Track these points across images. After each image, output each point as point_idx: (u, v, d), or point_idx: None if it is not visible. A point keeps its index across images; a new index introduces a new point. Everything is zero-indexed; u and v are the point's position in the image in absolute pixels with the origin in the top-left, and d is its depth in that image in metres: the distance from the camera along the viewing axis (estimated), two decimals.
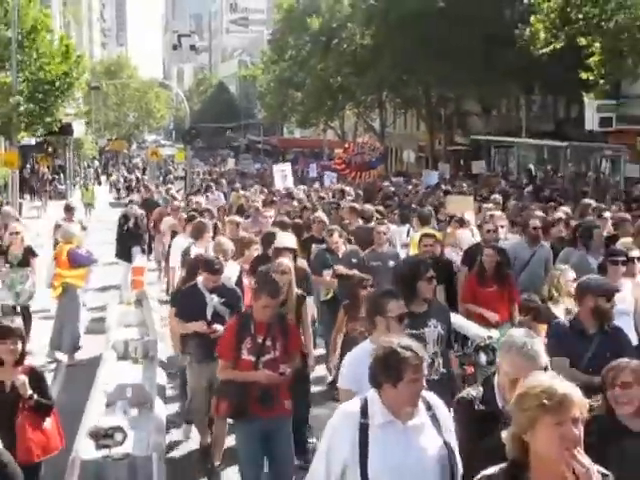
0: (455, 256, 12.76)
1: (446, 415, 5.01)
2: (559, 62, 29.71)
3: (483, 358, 8.85)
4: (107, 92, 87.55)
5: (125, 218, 20.71)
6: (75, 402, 10.11)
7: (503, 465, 3.90)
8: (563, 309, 8.56)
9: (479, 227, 13.75)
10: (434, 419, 4.89)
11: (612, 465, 4.13)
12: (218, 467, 9.06)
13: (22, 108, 34.52)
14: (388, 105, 57.95)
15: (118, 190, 55.53)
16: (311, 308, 10.37)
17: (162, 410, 9.72)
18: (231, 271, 10.61)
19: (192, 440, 10.07)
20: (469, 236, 13.82)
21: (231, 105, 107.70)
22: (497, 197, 19.68)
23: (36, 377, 7.06)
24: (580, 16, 25.28)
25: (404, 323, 6.60)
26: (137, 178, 54.80)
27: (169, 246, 15.57)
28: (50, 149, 55.09)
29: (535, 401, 3.72)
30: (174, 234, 16.18)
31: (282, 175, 31.20)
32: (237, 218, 14.84)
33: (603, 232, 12.14)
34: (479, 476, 4.00)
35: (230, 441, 8.94)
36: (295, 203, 20.91)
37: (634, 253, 9.77)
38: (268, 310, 7.63)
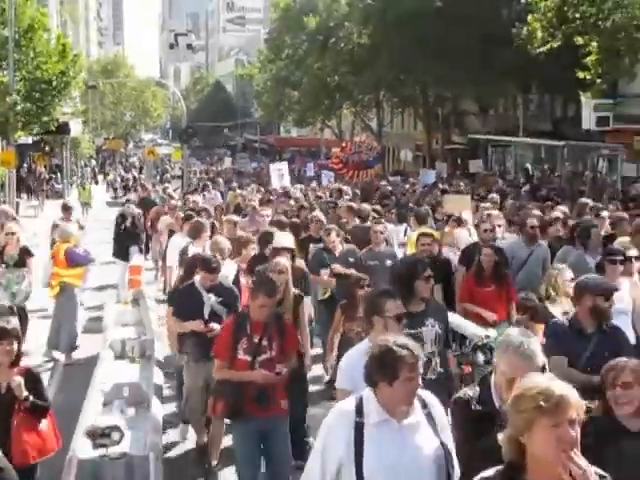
0: (452, 255, 12.75)
1: (442, 413, 5.00)
2: (556, 61, 29.72)
3: (481, 357, 8.85)
4: (104, 91, 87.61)
5: (122, 217, 20.69)
6: (72, 401, 10.10)
7: (500, 467, 3.88)
8: (560, 308, 8.55)
9: (476, 226, 13.74)
10: (429, 418, 4.88)
11: (610, 466, 4.12)
12: (215, 467, 9.05)
13: (19, 107, 34.54)
14: (385, 104, 57.97)
15: (115, 189, 55.51)
16: (308, 308, 10.37)
17: (159, 409, 9.70)
18: (228, 270, 10.60)
19: (189, 440, 10.07)
20: (466, 235, 13.82)
21: (228, 104, 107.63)
22: (495, 196, 19.68)
23: (32, 378, 7.01)
24: (577, 15, 25.29)
25: (402, 323, 6.59)
26: (134, 177, 54.75)
27: (166, 245, 15.55)
28: (47, 148, 55.05)
29: (532, 403, 3.70)
30: (171, 233, 16.18)
31: (279, 174, 31.18)
32: (235, 217, 14.82)
33: (601, 231, 12.13)
34: (476, 479, 3.98)
35: (227, 441, 8.93)
36: (292, 202, 20.88)
37: (632, 252, 9.76)
38: (265, 309, 7.62)
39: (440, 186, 28.40)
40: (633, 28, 23.75)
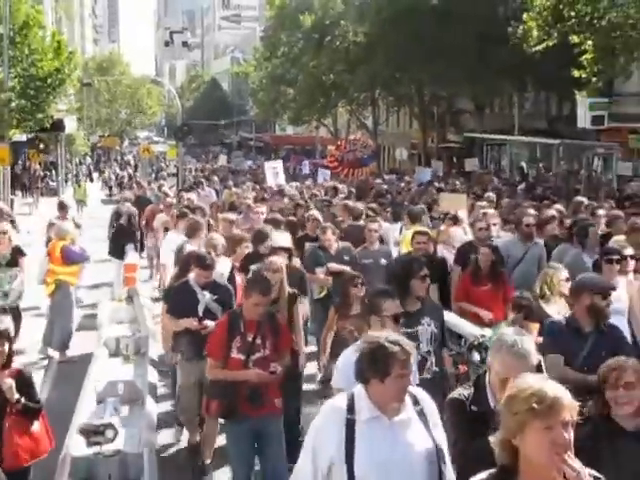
0: (447, 254, 12.74)
1: (433, 410, 4.96)
2: (552, 60, 29.76)
3: (476, 357, 8.83)
4: (99, 88, 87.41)
5: (117, 215, 20.66)
6: (66, 399, 10.09)
7: (492, 470, 3.84)
8: (554, 308, 8.54)
9: (471, 225, 13.72)
10: (421, 414, 4.86)
11: (607, 465, 4.10)
12: (209, 465, 9.03)
13: (14, 104, 34.53)
14: (381, 103, 57.98)
15: (110, 187, 55.42)
16: (304, 307, 10.35)
17: (153, 407, 9.70)
18: (222, 267, 10.58)
19: (183, 437, 10.05)
20: (461, 234, 13.80)
21: (223, 102, 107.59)
22: (491, 195, 19.65)
23: (23, 380, 6.91)
24: (573, 14, 25.28)
25: (400, 323, 6.57)
26: (129, 175, 54.72)
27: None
28: (42, 145, 54.94)
29: (524, 405, 3.65)
30: (167, 231, 16.14)
31: (274, 172, 31.10)
32: (231, 216, 14.77)
33: (597, 230, 12.12)
34: None
35: (221, 440, 8.91)
36: (286, 200, 20.85)
37: (627, 251, 9.76)
38: (259, 308, 7.61)
39: (436, 184, 28.40)
40: (628, 27, 23.75)
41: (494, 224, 13.42)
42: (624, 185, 27.64)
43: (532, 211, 13.73)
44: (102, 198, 51.66)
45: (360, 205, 16.40)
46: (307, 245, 13.48)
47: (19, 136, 41.68)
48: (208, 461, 9.04)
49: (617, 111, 33.05)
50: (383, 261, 12.31)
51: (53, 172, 56.04)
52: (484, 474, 3.86)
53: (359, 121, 60.92)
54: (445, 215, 15.35)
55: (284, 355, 7.94)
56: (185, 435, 9.96)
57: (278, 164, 32.82)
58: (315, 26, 56.25)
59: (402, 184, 31.61)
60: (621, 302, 8.67)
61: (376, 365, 4.74)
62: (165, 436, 10.14)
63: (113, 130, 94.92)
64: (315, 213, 14.92)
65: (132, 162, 74.44)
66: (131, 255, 19.00)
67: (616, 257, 9.22)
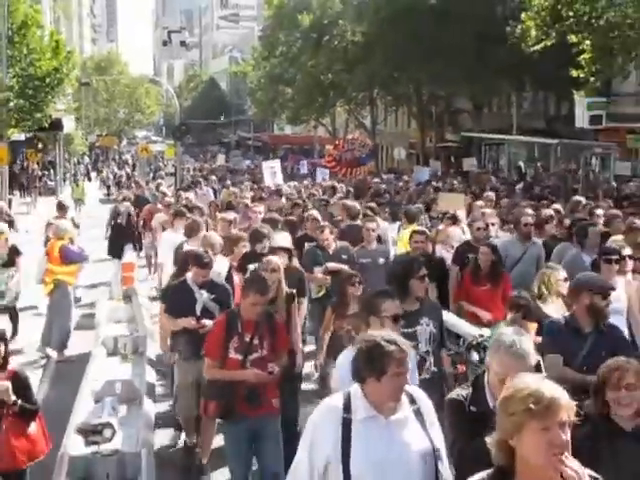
0: (446, 253, 12.73)
1: (430, 409, 4.94)
2: (550, 59, 29.75)
3: (475, 356, 8.83)
4: (97, 88, 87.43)
5: (116, 215, 20.65)
6: (64, 398, 10.09)
7: (489, 471, 3.81)
8: (552, 308, 8.53)
9: (469, 225, 13.72)
10: (418, 413, 4.84)
11: (607, 466, 4.09)
12: (206, 465, 9.03)
13: (12, 104, 34.54)
14: (379, 102, 57.99)
15: (108, 187, 55.39)
16: (304, 308, 10.34)
17: (151, 407, 9.69)
18: (220, 266, 10.57)
19: (181, 437, 10.04)
20: (459, 233, 13.78)
21: (221, 101, 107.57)
22: (490, 194, 19.64)
23: (20, 382, 6.90)
24: (571, 13, 25.27)
25: (399, 323, 6.57)
26: (127, 174, 54.67)
27: None
28: (40, 145, 54.93)
29: (521, 405, 3.62)
30: (165, 230, 16.12)
31: (271, 172, 31.07)
32: (229, 215, 14.74)
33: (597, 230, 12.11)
34: None
35: (218, 440, 8.91)
36: (283, 200, 20.82)
37: (626, 251, 9.76)
38: (256, 308, 7.60)
39: (434, 184, 28.40)
40: (626, 26, 23.75)
41: (492, 224, 13.40)
42: (622, 185, 27.63)
43: (530, 211, 13.74)
44: (100, 197, 51.67)
45: (358, 204, 16.38)
46: (306, 245, 13.47)
47: (17, 135, 41.71)
48: (206, 461, 9.03)
49: (615, 111, 33.08)
50: (381, 260, 12.32)
51: (51, 171, 56.01)
52: (480, 475, 3.84)
53: (357, 120, 60.95)
54: (444, 215, 15.34)
55: (282, 355, 7.93)
56: (183, 435, 9.95)
57: (276, 163, 32.79)
58: (313, 26, 56.27)
59: (400, 183, 31.63)
60: (620, 302, 8.67)
61: (372, 364, 4.73)
62: (163, 436, 10.12)
63: (111, 129, 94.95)
64: (314, 213, 14.89)
65: (130, 161, 74.41)
66: (129, 254, 19.00)
67: (615, 257, 9.21)
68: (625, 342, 7.38)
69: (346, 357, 6.16)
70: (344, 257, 12.16)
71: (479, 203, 16.81)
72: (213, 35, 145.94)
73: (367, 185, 28.08)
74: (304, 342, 10.63)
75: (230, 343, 7.57)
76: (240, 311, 7.72)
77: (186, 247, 12.31)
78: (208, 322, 8.80)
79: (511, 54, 32.18)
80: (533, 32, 26.55)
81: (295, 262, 10.71)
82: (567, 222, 13.28)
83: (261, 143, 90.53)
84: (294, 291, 9.26)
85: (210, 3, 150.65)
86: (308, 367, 10.33)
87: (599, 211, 13.97)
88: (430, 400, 5.00)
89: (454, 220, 14.35)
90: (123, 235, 20.33)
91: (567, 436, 3.61)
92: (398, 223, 15.47)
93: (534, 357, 5.09)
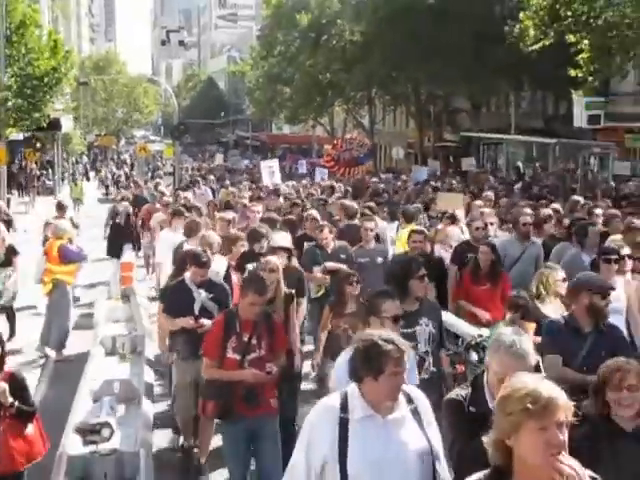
0: (444, 253, 12.73)
1: (427, 408, 4.92)
2: (548, 59, 29.77)
3: (474, 356, 8.83)
4: (95, 87, 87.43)
5: (114, 214, 20.64)
6: (62, 398, 10.08)
7: (486, 471, 3.80)
8: (550, 308, 8.52)
9: (468, 224, 13.71)
10: (415, 413, 4.82)
11: (607, 466, 4.08)
12: (205, 465, 9.03)
13: (10, 103, 34.53)
14: (377, 102, 58.02)
15: (107, 186, 55.40)
16: (301, 308, 10.33)
17: (150, 406, 9.68)
18: (218, 266, 10.56)
19: (180, 437, 10.03)
20: (458, 233, 13.78)
21: (220, 101, 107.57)
22: (489, 194, 19.63)
23: (17, 383, 6.85)
24: (569, 13, 25.30)
25: (399, 324, 6.56)
26: (126, 174, 54.68)
27: None
28: (38, 144, 54.91)
29: (519, 405, 3.60)
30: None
31: (270, 171, 31.05)
32: (228, 215, 14.73)
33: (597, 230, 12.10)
34: None
35: (217, 440, 8.90)
36: (281, 200, 20.81)
37: (625, 251, 9.76)
38: (255, 308, 7.59)
39: (432, 184, 28.39)
40: (624, 26, 23.77)
41: (491, 223, 13.39)
42: (620, 184, 27.63)
43: (529, 210, 13.73)
44: (99, 197, 51.69)
45: (355, 204, 16.36)
46: (306, 244, 13.46)
47: (16, 135, 41.69)
48: (204, 461, 9.02)
49: (613, 110, 33.08)
50: (379, 260, 12.31)
51: (50, 171, 56.01)
52: (477, 475, 3.82)
53: (355, 120, 60.99)
54: (442, 214, 15.33)
55: (280, 355, 7.91)
56: (182, 439, 9.94)
57: (274, 163, 32.77)
58: (312, 25, 56.30)
59: (399, 183, 31.60)
60: (619, 301, 8.66)
61: (370, 363, 4.71)
62: (161, 435, 10.11)
63: (110, 129, 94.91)
64: (314, 213, 14.87)
65: (129, 161, 74.42)
66: (127, 254, 19.00)
67: (614, 257, 9.21)
68: (625, 342, 7.37)
69: (345, 358, 6.17)
70: (342, 256, 12.16)
71: (478, 203, 16.80)
72: (211, 35, 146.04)
73: (365, 185, 28.04)
74: (303, 342, 10.63)
75: (228, 343, 7.55)
76: (238, 311, 7.71)
77: (186, 247, 12.31)
78: (206, 322, 8.79)
79: (509, 54, 32.20)
80: (531, 32, 26.58)
81: (294, 262, 10.70)
82: (566, 222, 13.28)
83: (259, 143, 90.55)
84: (293, 291, 9.24)
85: (208, 3, 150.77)
86: (307, 367, 10.33)
87: (598, 211, 13.96)
88: (429, 400, 4.99)
89: (453, 220, 14.33)
90: (122, 235, 20.32)
91: (565, 436, 3.59)
92: (396, 223, 15.46)
93: (534, 357, 5.09)
